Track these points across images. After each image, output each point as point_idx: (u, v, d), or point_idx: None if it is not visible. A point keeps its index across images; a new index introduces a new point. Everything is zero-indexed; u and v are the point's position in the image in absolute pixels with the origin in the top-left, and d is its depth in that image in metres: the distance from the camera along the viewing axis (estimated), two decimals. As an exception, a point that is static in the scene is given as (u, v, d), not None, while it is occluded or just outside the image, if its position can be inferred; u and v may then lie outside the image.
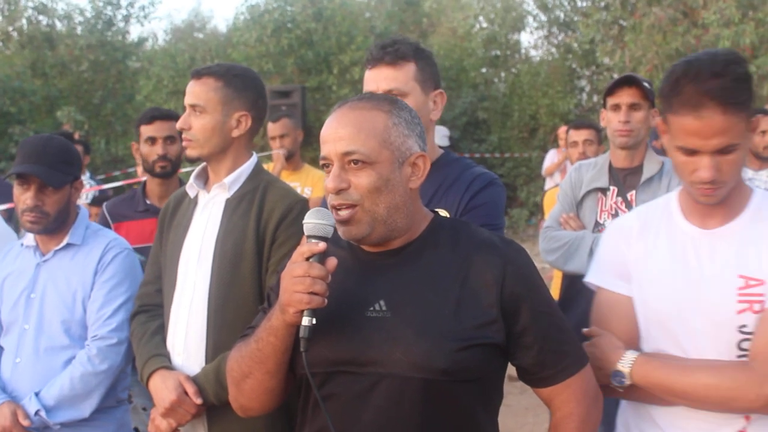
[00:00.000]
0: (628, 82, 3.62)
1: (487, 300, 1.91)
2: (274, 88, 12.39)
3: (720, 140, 1.96)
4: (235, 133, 2.76)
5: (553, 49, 17.81)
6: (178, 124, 2.77)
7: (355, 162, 1.90)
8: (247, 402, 2.04)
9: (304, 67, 15.40)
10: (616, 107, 3.60)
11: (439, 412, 1.88)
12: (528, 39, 23.77)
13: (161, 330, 2.78)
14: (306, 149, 10.68)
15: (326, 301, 1.84)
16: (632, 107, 3.56)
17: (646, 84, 3.61)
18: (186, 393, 2.61)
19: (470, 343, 1.87)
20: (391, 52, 2.57)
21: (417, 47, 2.63)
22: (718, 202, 2.06)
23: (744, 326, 2.04)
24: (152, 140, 4.02)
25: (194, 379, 2.63)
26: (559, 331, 2.00)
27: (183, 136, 2.78)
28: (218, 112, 2.74)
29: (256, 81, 2.85)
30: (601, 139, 6.08)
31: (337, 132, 1.93)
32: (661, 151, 3.57)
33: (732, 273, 2.06)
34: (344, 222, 1.92)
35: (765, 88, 9.52)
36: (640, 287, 2.14)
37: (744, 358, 2.05)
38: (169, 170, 4.04)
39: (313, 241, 1.86)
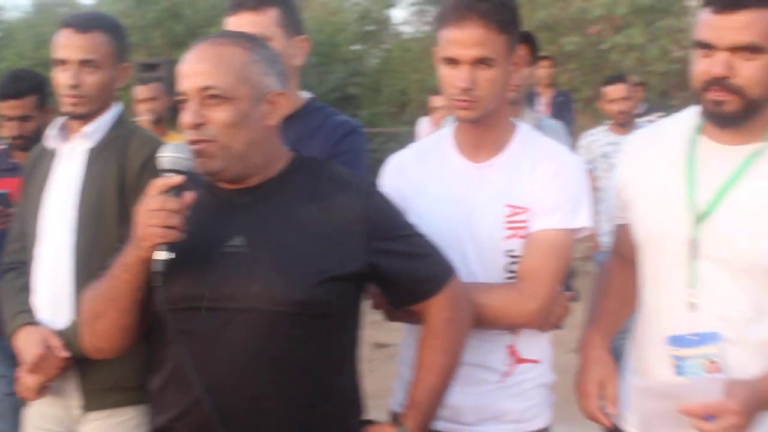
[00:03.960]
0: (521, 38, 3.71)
1: (348, 234, 1.93)
2: (141, 61, 12.07)
3: (478, 51, 2.11)
4: (117, 85, 2.71)
5: (425, 27, 18.00)
6: (68, 81, 2.63)
7: (213, 97, 1.88)
8: (100, 342, 1.99)
9: (172, 41, 15.06)
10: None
11: (297, 346, 1.89)
12: (400, 15, 23.92)
13: (28, 287, 2.68)
14: (173, 124, 10.47)
15: (182, 235, 1.81)
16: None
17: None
18: (51, 347, 2.53)
19: (329, 276, 1.89)
20: None
21: None
22: (475, 118, 2.19)
23: (511, 251, 2.21)
24: (6, 117, 3.85)
25: (61, 333, 2.55)
26: (423, 247, 2.05)
27: (70, 92, 2.64)
28: (109, 67, 2.67)
29: (124, 28, 2.82)
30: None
31: (195, 67, 1.91)
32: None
33: (499, 202, 2.21)
34: (200, 155, 1.89)
35: (630, 59, 9.89)
36: (417, 219, 2.22)
37: (512, 280, 2.21)
38: (28, 144, 3.87)
39: (170, 174, 1.83)
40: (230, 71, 1.90)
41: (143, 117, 5.59)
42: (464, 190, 2.27)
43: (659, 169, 2.19)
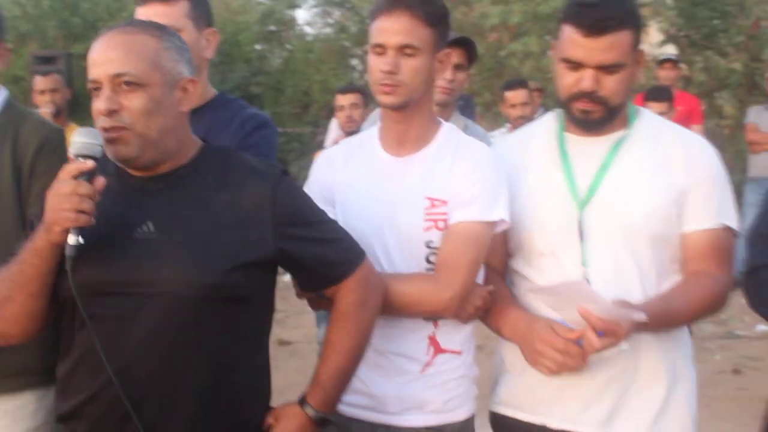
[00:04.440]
0: (461, 42, 3.75)
1: (257, 220, 1.97)
2: (37, 53, 11.75)
3: (403, 38, 2.24)
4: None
5: (329, 28, 18.02)
6: None
7: (127, 83, 1.90)
8: (8, 328, 1.98)
9: (69, 33, 14.65)
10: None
11: (208, 330, 1.93)
12: (304, 16, 23.89)
13: None
14: (73, 118, 10.23)
15: (93, 220, 1.82)
16: (458, 67, 3.71)
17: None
18: None
19: (240, 261, 1.93)
20: None
21: None
22: (398, 104, 2.29)
23: (431, 242, 2.30)
24: None
25: None
26: (332, 232, 2.10)
27: None
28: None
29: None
30: (367, 102, 6.28)
31: (107, 54, 1.93)
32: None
33: (420, 195, 2.31)
34: (113, 142, 1.91)
35: (527, 66, 10.16)
36: (343, 210, 2.35)
37: (431, 271, 2.30)
38: None
39: (81, 160, 1.84)
40: (142, 58, 1.92)
41: (43, 109, 5.47)
42: (387, 184, 2.35)
43: (535, 166, 2.38)
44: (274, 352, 2.17)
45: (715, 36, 11.77)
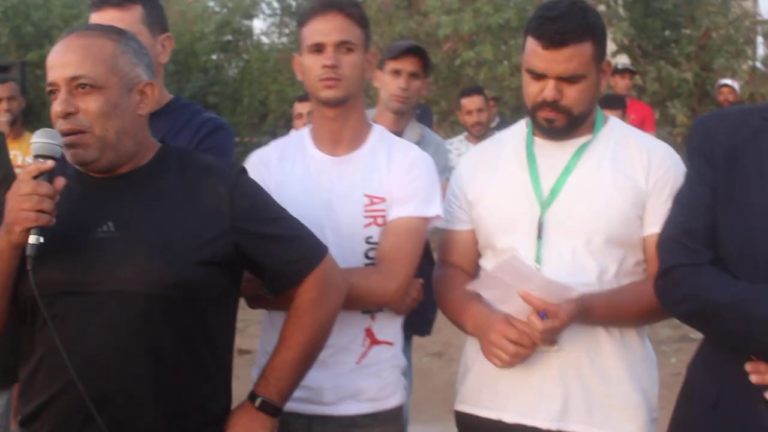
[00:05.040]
0: (414, 51, 3.79)
1: (216, 218, 1.99)
2: (-8, 62, 11.64)
3: (340, 35, 2.37)
4: None
5: (285, 38, 18.03)
6: None
7: (83, 86, 1.92)
8: None
9: (21, 41, 14.49)
10: (397, 73, 3.78)
11: (169, 328, 1.94)
12: (260, 26, 23.93)
13: None
14: (26, 127, 10.12)
15: (54, 219, 1.83)
16: (413, 75, 3.74)
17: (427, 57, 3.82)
18: None
19: (200, 259, 1.95)
20: None
21: None
22: (338, 98, 2.39)
23: (370, 237, 2.41)
24: None
25: None
26: (293, 228, 2.12)
27: None
28: None
29: None
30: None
31: (65, 57, 1.94)
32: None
33: (359, 193, 2.40)
34: (72, 145, 1.91)
35: (481, 74, 10.27)
36: None
37: (371, 266, 2.39)
38: None
39: (41, 160, 1.84)
40: (100, 61, 1.94)
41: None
42: (325, 183, 2.43)
43: (504, 168, 2.45)
44: (234, 360, 2.18)
45: (667, 46, 12.00)
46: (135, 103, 2.00)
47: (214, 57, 17.77)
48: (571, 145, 2.37)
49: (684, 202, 2.11)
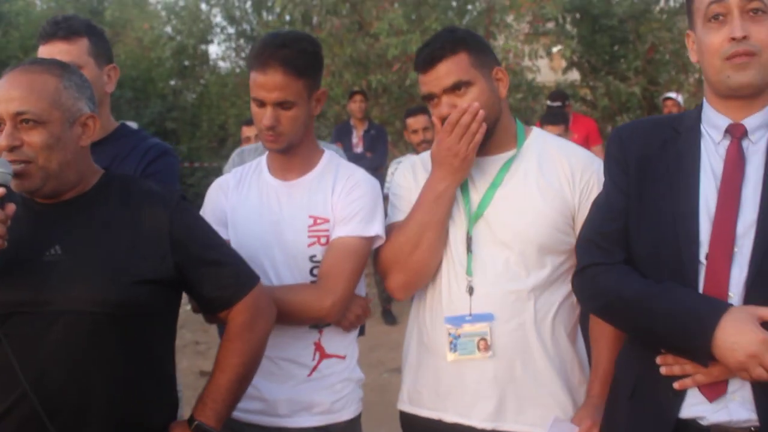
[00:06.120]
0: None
1: (158, 241, 2.11)
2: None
3: (279, 94, 2.44)
4: None
5: (242, 62, 18.08)
6: None
7: (27, 121, 2.04)
8: None
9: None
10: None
11: (116, 345, 2.06)
12: (216, 51, 24.02)
13: None
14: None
15: (5, 243, 1.95)
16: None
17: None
18: None
19: (143, 279, 2.07)
20: (64, 27, 2.71)
21: (89, 24, 2.79)
22: (281, 149, 2.52)
23: (314, 256, 2.51)
24: None
25: None
26: (227, 255, 2.25)
27: None
28: None
29: None
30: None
31: (9, 93, 2.06)
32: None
33: (304, 214, 2.53)
34: (18, 175, 2.04)
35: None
36: (235, 230, 2.57)
37: (311, 283, 2.50)
38: None
39: None
40: (43, 97, 2.06)
41: None
42: (275, 205, 2.56)
43: None
44: (196, 382, 2.31)
45: (615, 62, 12.25)
46: (77, 135, 2.12)
47: (172, 83, 17.79)
48: (499, 160, 2.51)
49: (600, 206, 2.25)
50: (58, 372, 2.00)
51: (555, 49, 11.49)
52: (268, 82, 2.43)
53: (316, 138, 2.72)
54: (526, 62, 10.83)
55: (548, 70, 12.45)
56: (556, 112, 6.73)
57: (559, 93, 8.58)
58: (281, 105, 2.45)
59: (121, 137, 2.78)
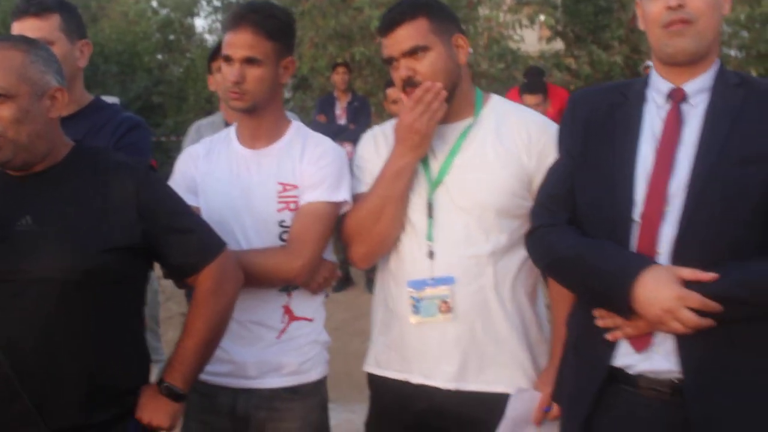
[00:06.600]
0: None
1: (126, 210, 2.19)
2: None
3: (246, 51, 2.52)
4: None
5: (227, 35, 18.01)
6: None
7: None
8: None
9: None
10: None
11: (85, 311, 2.14)
12: (202, 24, 23.95)
13: None
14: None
15: None
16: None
17: None
18: None
19: (112, 247, 2.15)
20: (36, 4, 2.77)
21: (61, 0, 2.81)
22: (244, 108, 2.59)
23: (283, 221, 2.59)
24: None
25: None
26: (194, 223, 2.33)
27: None
28: None
29: None
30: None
31: None
32: None
33: (273, 181, 2.61)
34: None
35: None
36: (205, 197, 2.65)
37: (280, 246, 2.58)
38: None
39: None
40: (10, 72, 2.13)
41: None
42: (244, 173, 2.63)
43: None
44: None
45: (600, 31, 12.26)
46: (46, 107, 2.19)
47: (158, 57, 17.75)
48: (457, 128, 2.58)
49: (552, 170, 2.36)
50: (30, 338, 2.09)
51: (541, 18, 11.50)
52: (238, 39, 2.52)
53: (299, 109, 2.80)
54: (510, 32, 10.85)
55: (534, 40, 12.47)
56: (535, 81, 6.78)
57: (535, 69, 8.63)
58: (248, 62, 2.52)
59: (95, 111, 2.84)
